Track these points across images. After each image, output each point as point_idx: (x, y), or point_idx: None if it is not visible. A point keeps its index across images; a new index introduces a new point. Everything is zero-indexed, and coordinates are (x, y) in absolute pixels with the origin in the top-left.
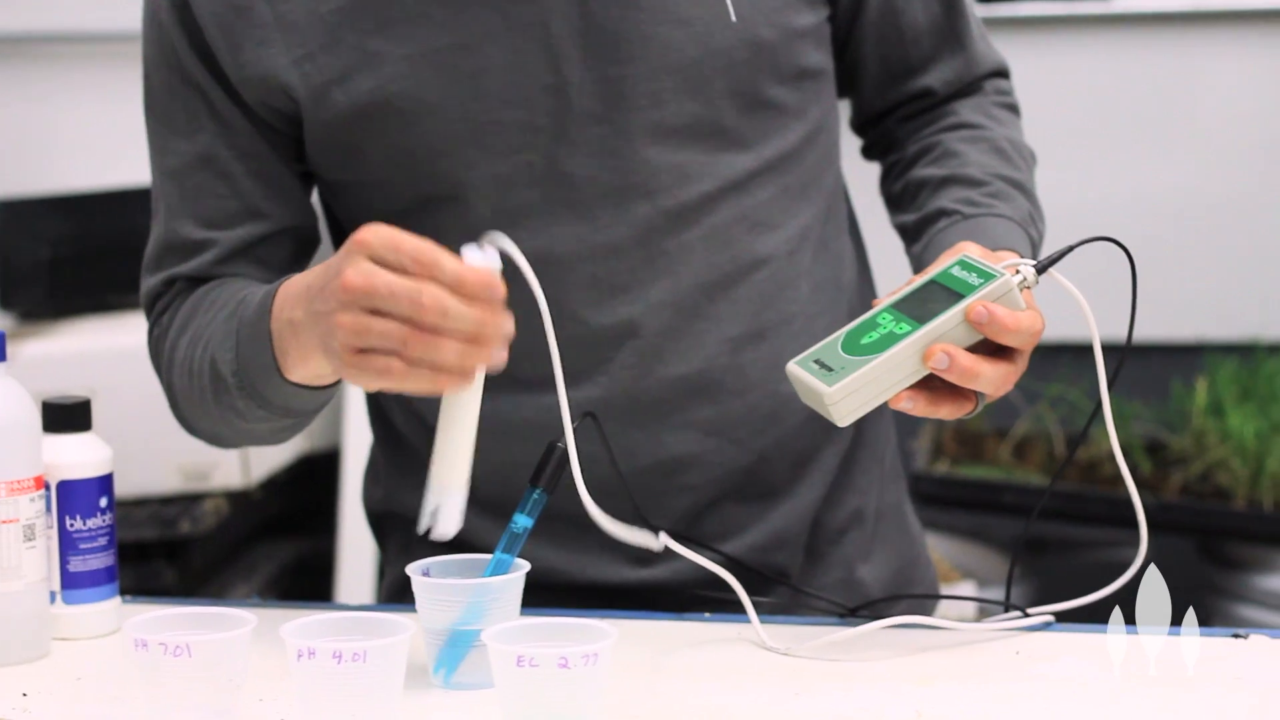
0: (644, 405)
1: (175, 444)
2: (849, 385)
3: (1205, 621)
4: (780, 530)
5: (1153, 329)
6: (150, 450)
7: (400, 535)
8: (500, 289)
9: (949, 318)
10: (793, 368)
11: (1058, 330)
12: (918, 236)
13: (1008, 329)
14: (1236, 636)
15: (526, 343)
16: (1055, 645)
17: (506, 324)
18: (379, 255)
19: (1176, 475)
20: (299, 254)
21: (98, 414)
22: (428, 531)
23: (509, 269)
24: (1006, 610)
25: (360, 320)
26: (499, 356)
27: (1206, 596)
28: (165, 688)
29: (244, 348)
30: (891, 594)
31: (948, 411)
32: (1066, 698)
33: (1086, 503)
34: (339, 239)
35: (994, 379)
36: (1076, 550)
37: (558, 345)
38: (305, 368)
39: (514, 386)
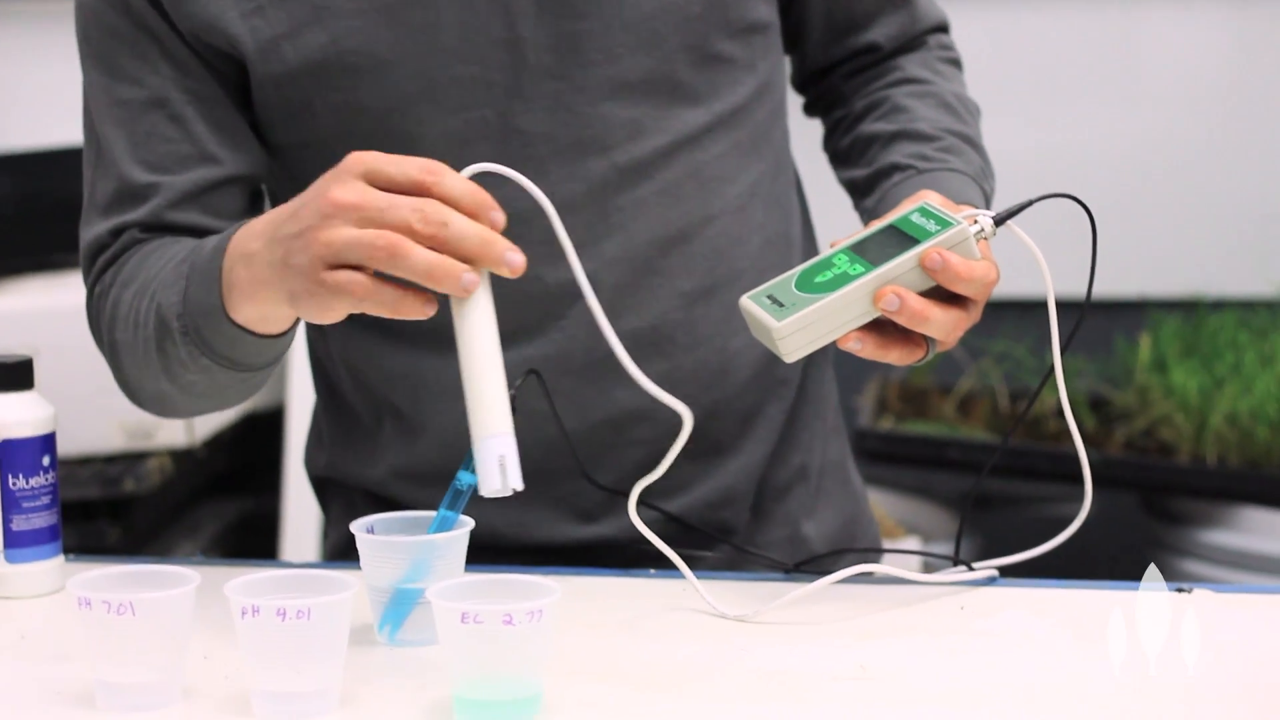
0: (597, 361)
1: (119, 403)
2: (798, 321)
3: None
4: (727, 487)
5: (1096, 285)
6: (94, 409)
7: (343, 500)
8: (503, 217)
9: (903, 261)
10: (745, 301)
11: (1003, 286)
12: (869, 191)
13: (961, 277)
14: (1180, 591)
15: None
16: (999, 600)
17: (511, 249)
18: (376, 170)
19: (1120, 431)
20: (251, 206)
21: (40, 373)
22: (371, 496)
23: None
24: (955, 565)
25: (337, 231)
26: (470, 280)
27: (1150, 551)
28: (109, 646)
29: (193, 288)
30: (835, 550)
31: (897, 356)
32: (1010, 652)
33: (1031, 459)
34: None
35: (944, 324)
36: (1021, 505)
37: (512, 303)
38: (252, 306)
39: None
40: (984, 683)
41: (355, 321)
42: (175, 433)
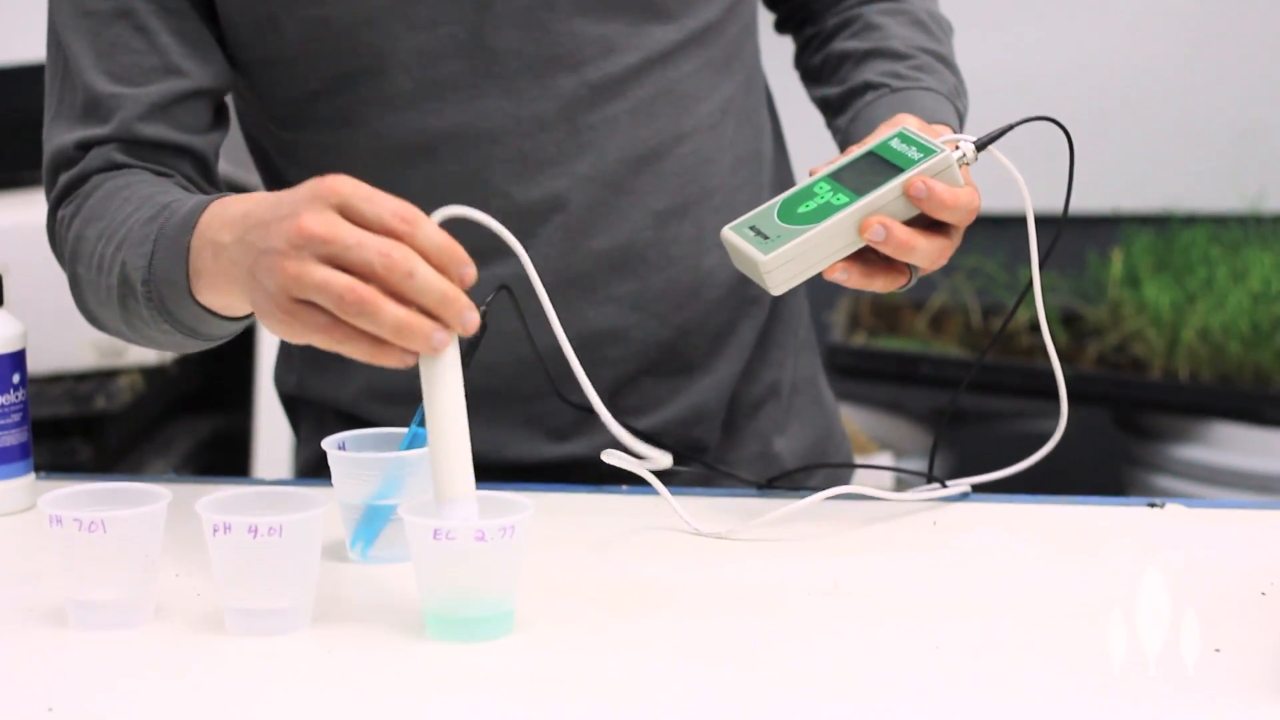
0: (568, 280)
1: None
2: (785, 254)
3: (1121, 491)
4: (698, 405)
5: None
6: (64, 326)
7: (313, 418)
8: (473, 272)
9: (887, 191)
10: (728, 233)
11: (979, 195)
12: (841, 110)
13: (946, 205)
14: (1153, 506)
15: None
16: (972, 515)
17: (470, 309)
18: (350, 205)
19: (1092, 346)
20: (216, 121)
21: (10, 291)
22: (342, 415)
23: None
24: (928, 482)
25: (305, 267)
26: (440, 340)
27: (1123, 467)
28: (81, 564)
29: (159, 257)
30: (807, 466)
31: (881, 284)
32: (983, 567)
33: (1003, 374)
34: (254, 143)
35: (929, 253)
36: (993, 421)
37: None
38: (216, 296)
39: None
40: (957, 598)
41: None
42: (146, 351)
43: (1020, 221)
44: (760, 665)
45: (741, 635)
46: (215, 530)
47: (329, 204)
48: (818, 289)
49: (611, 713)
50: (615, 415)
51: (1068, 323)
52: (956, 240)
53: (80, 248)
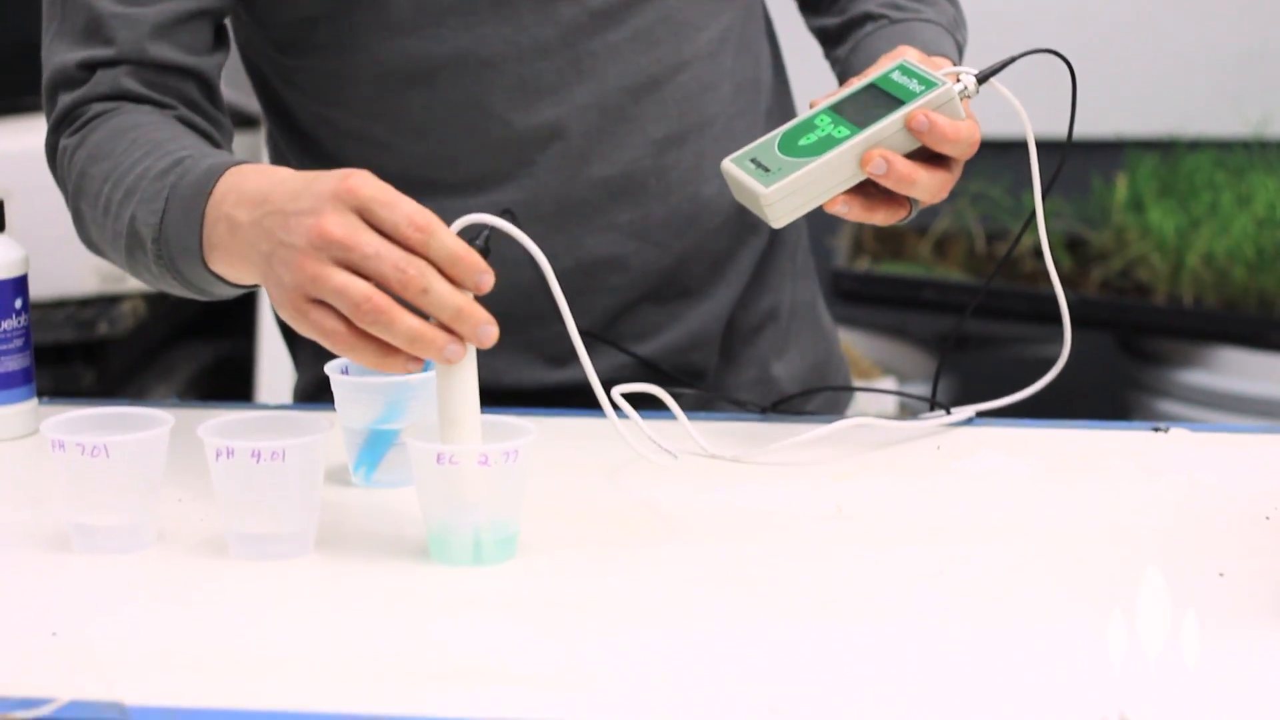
0: (567, 208)
1: None
2: (786, 187)
3: (1125, 416)
4: (696, 331)
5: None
6: (67, 252)
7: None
8: (490, 279)
9: (889, 124)
10: (728, 165)
11: (979, 127)
12: (840, 40)
13: (947, 139)
14: (1156, 430)
15: (453, 145)
16: (976, 439)
17: (487, 323)
18: (369, 210)
19: (1097, 271)
20: (218, 42)
21: (12, 216)
22: None
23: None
24: (932, 408)
25: (324, 270)
26: (454, 352)
27: (1127, 391)
28: (83, 489)
29: (171, 218)
30: (808, 390)
31: (882, 217)
32: (986, 491)
33: (1006, 299)
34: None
35: (930, 186)
36: (996, 346)
37: (482, 149)
38: (230, 269)
39: (436, 191)
40: (961, 522)
41: (320, 161)
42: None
43: (1024, 146)
44: (764, 589)
45: (745, 559)
46: (218, 455)
47: (349, 206)
48: (820, 214)
49: (615, 636)
50: (612, 342)
51: (1072, 248)
52: (957, 173)
53: (85, 185)
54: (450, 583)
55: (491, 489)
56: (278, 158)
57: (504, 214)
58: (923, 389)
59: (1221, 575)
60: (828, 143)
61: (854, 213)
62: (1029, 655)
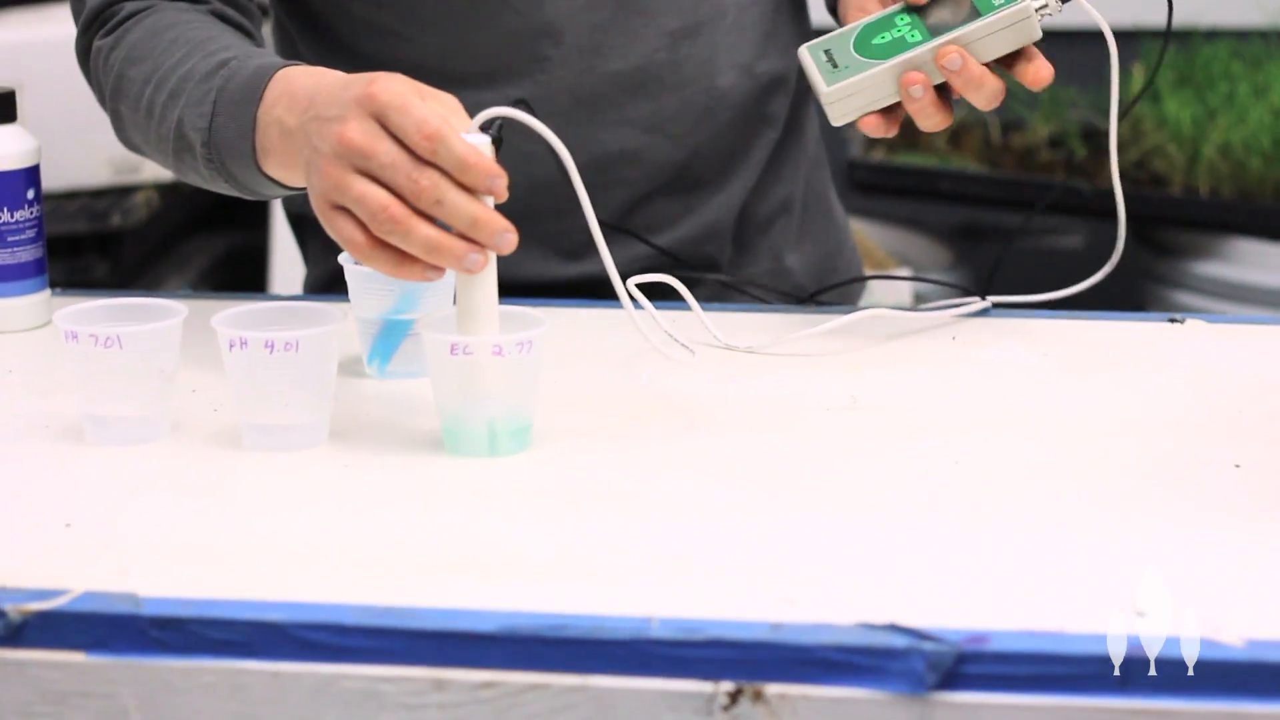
0: (581, 102)
1: (105, 137)
2: (848, 88)
3: (1141, 307)
4: (710, 222)
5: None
6: (80, 143)
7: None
8: (503, 183)
9: (959, 35)
10: (803, 52)
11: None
12: None
13: (973, 83)
14: (1173, 321)
15: (464, 37)
16: (991, 330)
17: (506, 230)
18: (385, 116)
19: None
20: None
21: (25, 107)
22: None
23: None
24: (983, 298)
25: (346, 177)
26: (474, 261)
27: (1143, 283)
28: (97, 379)
29: (222, 123)
30: (817, 282)
31: (930, 123)
32: (1002, 382)
33: (1023, 189)
34: None
35: (994, 92)
36: (1011, 237)
37: (494, 41)
38: (285, 173)
39: (449, 83)
40: (976, 413)
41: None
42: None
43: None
44: (778, 480)
45: (759, 450)
46: (231, 345)
47: (370, 112)
48: None
49: (630, 527)
50: (627, 232)
51: (1087, 138)
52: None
53: (124, 87)
54: (464, 474)
55: (506, 380)
56: (285, 47)
57: (518, 104)
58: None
59: (1238, 467)
60: (898, 45)
61: (925, 102)
62: (1043, 548)
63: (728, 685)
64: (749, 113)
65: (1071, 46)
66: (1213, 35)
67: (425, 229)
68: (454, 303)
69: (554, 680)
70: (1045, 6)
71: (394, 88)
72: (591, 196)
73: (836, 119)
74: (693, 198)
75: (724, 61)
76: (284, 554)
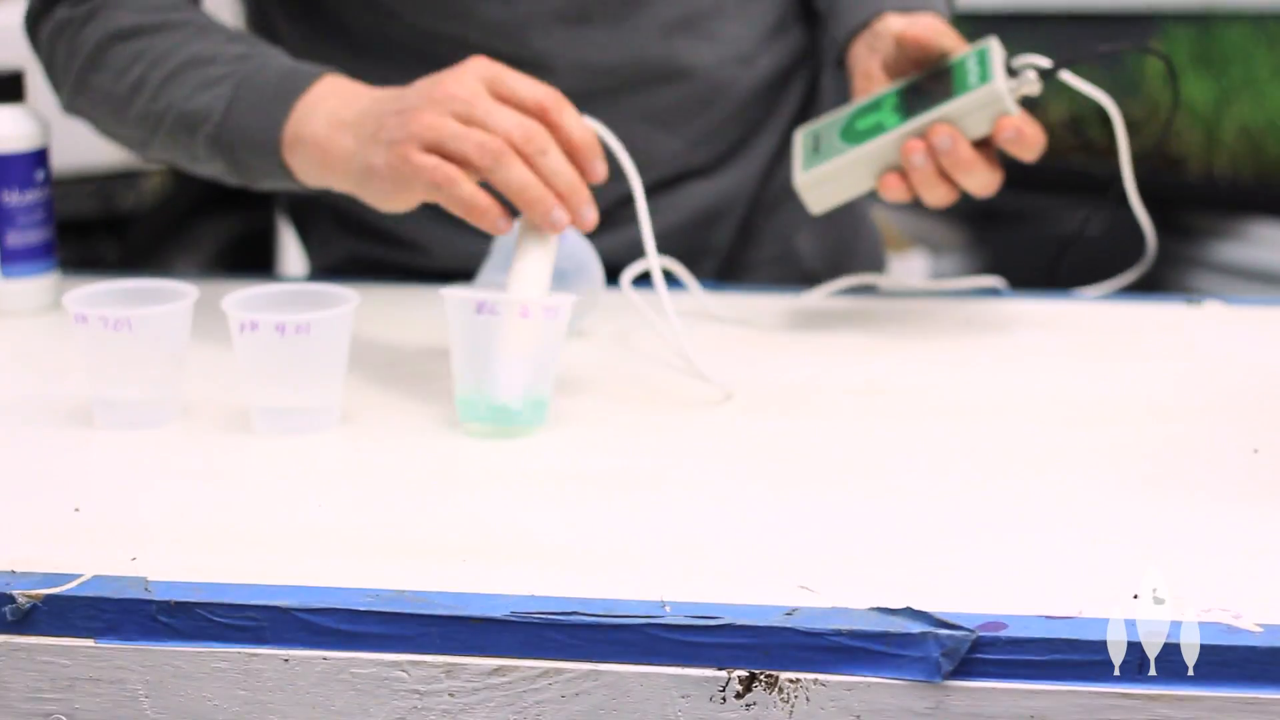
0: (574, 93)
1: None
2: (819, 175)
3: (1159, 289)
4: (712, 206)
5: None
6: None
7: (323, 227)
8: (604, 168)
9: (929, 118)
10: (796, 135)
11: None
12: None
13: (961, 166)
14: (1191, 303)
15: (454, 21)
16: (1007, 313)
17: (589, 206)
18: (499, 80)
19: (1130, 143)
20: None
21: (36, 89)
22: (351, 223)
23: None
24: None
25: (446, 121)
26: (559, 218)
27: (1161, 264)
28: (106, 362)
29: (244, 108)
30: (831, 264)
31: (937, 195)
32: (1018, 365)
33: (1038, 172)
34: None
35: (986, 180)
36: (1027, 219)
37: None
38: (307, 166)
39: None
40: (992, 396)
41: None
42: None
43: (1057, 19)
44: (793, 464)
45: (773, 433)
46: (242, 328)
47: (477, 75)
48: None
49: (644, 510)
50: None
51: (1105, 121)
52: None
53: (104, 59)
54: (476, 458)
55: (531, 342)
56: (259, 24)
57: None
58: (954, 262)
59: (1256, 451)
60: (875, 130)
61: (900, 192)
62: (1060, 534)
63: (741, 672)
64: (752, 105)
65: (1089, 29)
66: (1233, 18)
67: (525, 169)
68: None
69: (566, 666)
70: (1016, 87)
71: (495, 63)
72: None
73: (813, 207)
74: (695, 184)
75: (725, 53)
76: (295, 539)
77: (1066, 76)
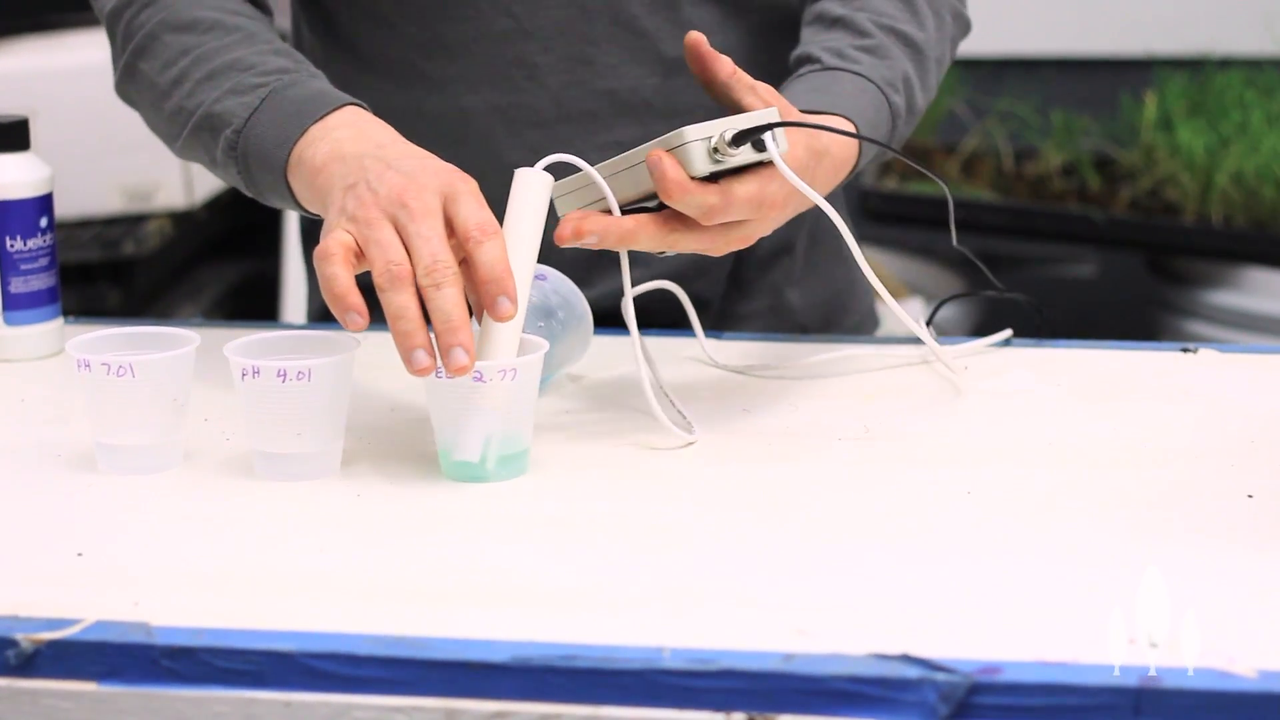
0: (568, 116)
1: (118, 164)
2: (562, 186)
3: (1153, 337)
4: (700, 258)
5: (1102, 43)
6: (93, 171)
7: None
8: (509, 308)
9: (636, 153)
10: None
11: (1005, 44)
12: (789, 75)
13: (671, 194)
14: (1185, 351)
15: (454, 33)
16: (1003, 360)
17: (459, 351)
18: (457, 197)
19: (1125, 190)
20: None
21: (38, 134)
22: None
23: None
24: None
25: (382, 221)
26: (419, 359)
27: (1155, 312)
28: (109, 408)
29: (266, 120)
30: (823, 318)
31: (690, 243)
32: (1014, 413)
33: (1034, 218)
34: None
35: (700, 206)
36: (1024, 265)
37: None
38: (302, 188)
39: (430, 81)
40: (988, 443)
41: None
42: (174, 194)
43: (1052, 64)
44: (790, 509)
45: (769, 479)
46: (244, 374)
47: (441, 186)
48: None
49: (637, 556)
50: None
51: (1100, 166)
52: (734, 234)
53: (154, 48)
54: (476, 503)
55: (489, 404)
56: (300, 39)
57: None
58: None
59: (1250, 497)
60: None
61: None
62: (1056, 578)
63: (739, 716)
64: None
65: (1082, 76)
66: (1226, 64)
67: (410, 300)
68: None
69: (565, 710)
70: (710, 139)
71: (474, 185)
72: None
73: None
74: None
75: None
76: (296, 583)
77: (778, 162)
